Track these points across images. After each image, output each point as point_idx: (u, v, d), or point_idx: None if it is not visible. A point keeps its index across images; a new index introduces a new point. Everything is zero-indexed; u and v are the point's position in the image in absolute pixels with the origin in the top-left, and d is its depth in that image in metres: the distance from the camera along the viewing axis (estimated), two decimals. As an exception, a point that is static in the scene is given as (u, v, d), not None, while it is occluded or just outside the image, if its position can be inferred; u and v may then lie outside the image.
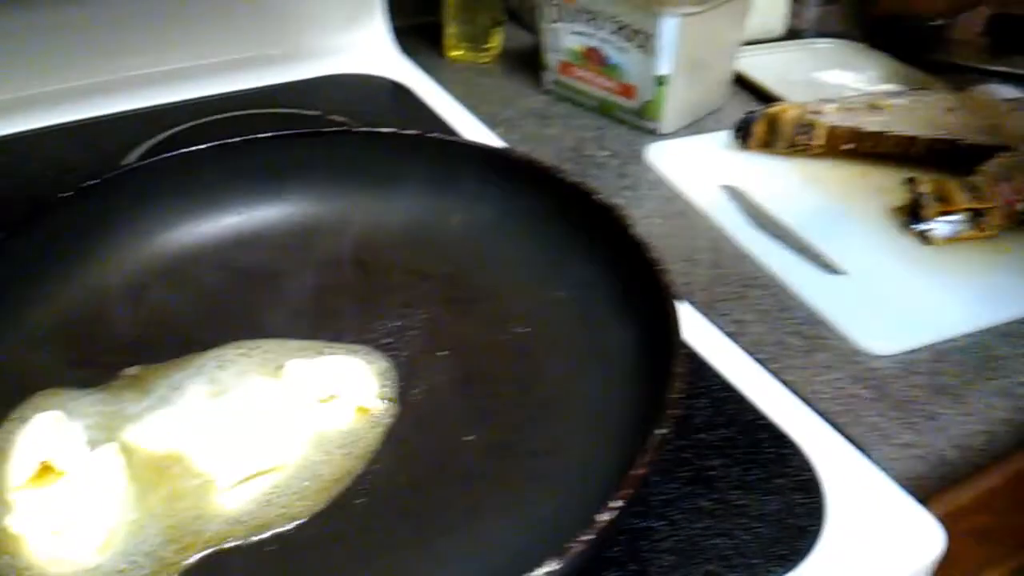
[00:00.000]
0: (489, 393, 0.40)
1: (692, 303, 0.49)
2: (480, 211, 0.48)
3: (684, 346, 0.35)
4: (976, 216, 0.53)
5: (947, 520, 0.47)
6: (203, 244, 0.45)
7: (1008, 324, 0.48)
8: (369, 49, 0.75)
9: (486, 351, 0.42)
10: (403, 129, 0.49)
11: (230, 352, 0.40)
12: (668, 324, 0.36)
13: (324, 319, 0.43)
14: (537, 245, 0.46)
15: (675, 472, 0.38)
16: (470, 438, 0.37)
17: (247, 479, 0.35)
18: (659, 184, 0.61)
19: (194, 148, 0.44)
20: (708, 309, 0.49)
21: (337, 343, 0.41)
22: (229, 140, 0.45)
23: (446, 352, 0.42)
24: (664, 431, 0.31)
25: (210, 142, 0.46)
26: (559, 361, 0.41)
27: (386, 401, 0.38)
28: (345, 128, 0.49)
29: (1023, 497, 0.52)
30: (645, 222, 0.57)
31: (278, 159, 0.47)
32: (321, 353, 0.40)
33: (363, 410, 0.38)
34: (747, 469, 0.39)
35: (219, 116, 0.63)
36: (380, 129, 0.49)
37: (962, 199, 0.53)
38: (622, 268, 0.41)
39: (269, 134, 0.46)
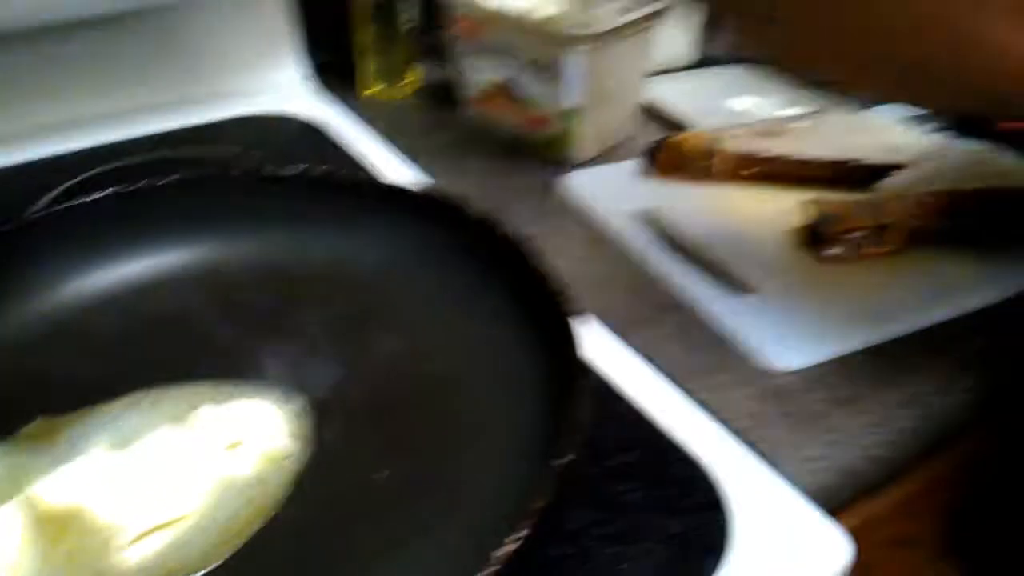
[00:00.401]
0: (402, 429, 0.40)
1: (606, 329, 0.50)
2: (391, 247, 0.48)
3: (586, 376, 0.36)
4: (875, 233, 0.55)
5: (864, 529, 0.48)
6: (103, 295, 0.44)
7: (908, 335, 0.50)
8: (283, 88, 0.75)
9: (400, 386, 0.42)
10: (312, 168, 0.49)
11: (135, 401, 0.39)
12: (571, 355, 0.37)
13: (233, 362, 0.42)
14: (449, 278, 0.46)
15: (587, 498, 0.38)
16: (383, 475, 0.37)
17: (150, 532, 0.34)
18: (574, 213, 0.62)
19: (88, 199, 0.44)
20: (622, 334, 0.49)
21: (247, 386, 0.41)
22: (125, 188, 0.44)
23: (359, 389, 0.41)
24: (561, 462, 0.31)
25: (110, 189, 0.46)
26: (471, 393, 0.41)
27: (296, 443, 0.38)
28: (250, 170, 0.49)
29: (938, 503, 0.54)
30: (560, 251, 0.58)
31: (180, 204, 0.46)
32: (229, 397, 0.39)
33: (271, 454, 0.37)
34: (657, 492, 0.39)
35: (126, 162, 0.62)
36: (286, 170, 0.48)
37: (860, 218, 0.55)
38: (530, 299, 0.42)
39: (166, 180, 0.46)
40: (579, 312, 0.39)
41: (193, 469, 0.36)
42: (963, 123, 0.71)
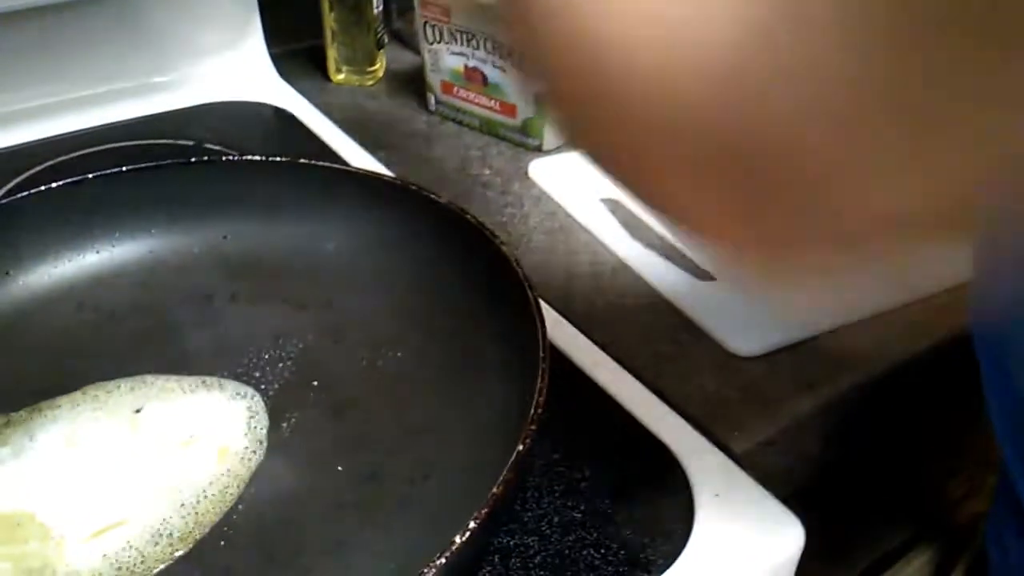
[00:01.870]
0: (361, 422, 0.40)
1: (571, 316, 0.50)
2: (356, 237, 0.48)
3: (547, 365, 0.36)
4: (837, 218, 0.55)
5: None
6: (56, 288, 0.44)
7: (868, 318, 0.50)
8: (248, 75, 0.74)
9: (359, 379, 0.42)
10: (275, 156, 0.48)
11: (87, 397, 0.39)
12: (533, 344, 0.37)
13: (189, 356, 0.42)
14: (414, 268, 0.46)
15: (548, 486, 0.39)
16: (340, 469, 0.37)
17: (99, 533, 0.33)
18: (542, 200, 0.62)
19: (48, 187, 0.43)
20: (587, 321, 0.49)
21: (203, 380, 0.40)
22: (85, 176, 0.44)
23: (318, 383, 0.41)
24: (520, 450, 0.31)
25: (69, 178, 0.45)
26: (433, 385, 0.41)
27: (252, 438, 0.38)
28: (212, 158, 0.48)
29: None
30: (527, 238, 0.58)
31: (141, 193, 0.46)
32: (184, 392, 0.39)
33: (226, 451, 0.37)
34: (620, 477, 0.39)
35: (90, 150, 0.61)
36: (249, 157, 0.48)
37: (823, 202, 0.55)
38: (494, 288, 0.42)
39: (128, 168, 0.45)
40: (542, 300, 0.39)
41: (146, 467, 0.36)
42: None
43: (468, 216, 0.44)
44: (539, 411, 0.33)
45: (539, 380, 0.34)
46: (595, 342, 0.48)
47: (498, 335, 0.40)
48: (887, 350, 0.48)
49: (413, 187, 0.46)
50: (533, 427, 0.33)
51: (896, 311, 0.51)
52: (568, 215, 0.60)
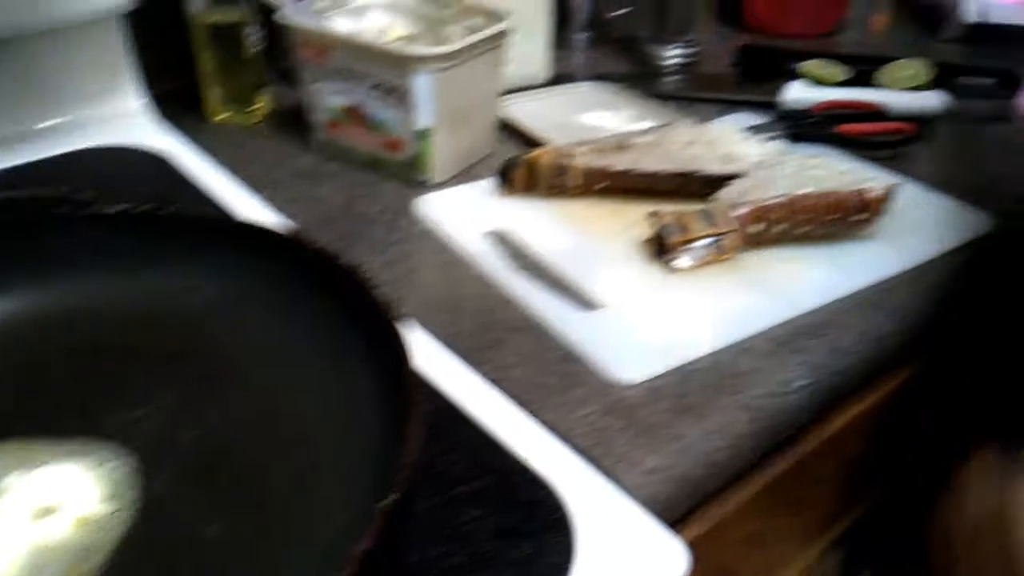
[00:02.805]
0: (235, 479, 0.38)
1: (456, 353, 0.50)
2: (228, 284, 0.46)
3: (419, 412, 0.35)
4: (715, 241, 0.57)
5: (716, 532, 0.50)
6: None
7: (747, 340, 0.52)
8: (126, 119, 0.72)
9: (234, 431, 0.40)
10: (144, 205, 0.46)
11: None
12: (405, 389, 0.36)
13: (54, 418, 0.40)
14: (288, 314, 0.45)
15: (433, 530, 0.38)
16: (212, 529, 0.36)
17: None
18: (429, 236, 0.62)
19: None
20: (472, 357, 0.49)
21: (64, 444, 0.38)
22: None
23: (190, 438, 0.40)
24: (385, 503, 0.31)
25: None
26: (310, 434, 0.40)
27: (116, 504, 0.36)
28: (75, 212, 0.46)
29: (783, 500, 0.56)
30: (415, 275, 0.57)
31: (-2, 249, 0.44)
32: (42, 458, 0.37)
33: (87, 518, 0.35)
34: (502, 517, 0.39)
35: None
36: (111, 210, 0.46)
37: (700, 227, 0.57)
38: (368, 332, 0.41)
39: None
40: (415, 348, 0.39)
41: (1, 540, 0.34)
42: (800, 130, 0.74)
43: (340, 261, 0.43)
44: (410, 460, 0.32)
45: (411, 428, 0.34)
46: (482, 377, 0.48)
47: (374, 382, 0.40)
48: (770, 367, 0.49)
49: (283, 233, 0.45)
50: (405, 476, 0.32)
51: (772, 331, 0.52)
52: (456, 250, 0.60)
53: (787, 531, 0.61)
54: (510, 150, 0.72)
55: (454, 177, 0.69)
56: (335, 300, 0.44)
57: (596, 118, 0.78)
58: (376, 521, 0.31)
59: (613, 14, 0.98)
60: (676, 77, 0.90)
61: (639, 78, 0.88)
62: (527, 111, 0.78)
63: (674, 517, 0.44)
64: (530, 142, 0.74)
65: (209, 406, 0.42)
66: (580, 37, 0.96)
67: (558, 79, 0.86)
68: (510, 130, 0.76)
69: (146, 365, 0.44)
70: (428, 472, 0.41)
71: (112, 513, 0.36)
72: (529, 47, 0.83)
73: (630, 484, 0.42)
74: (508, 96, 0.79)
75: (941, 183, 0.69)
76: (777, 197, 0.59)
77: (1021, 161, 0.76)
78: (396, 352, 0.39)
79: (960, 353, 0.63)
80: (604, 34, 0.98)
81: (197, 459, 0.39)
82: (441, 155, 0.67)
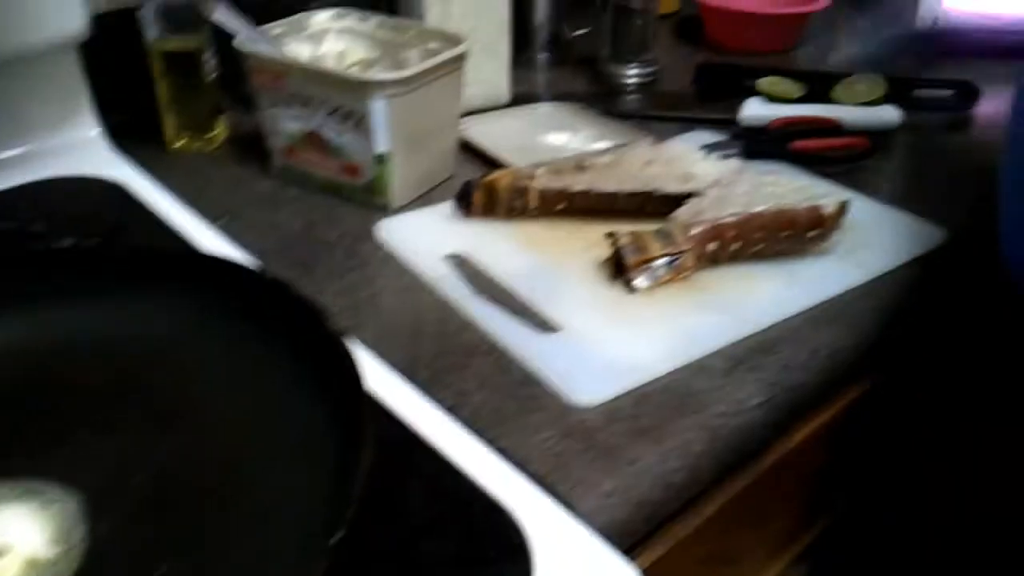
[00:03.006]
0: (183, 518, 0.38)
1: (416, 379, 0.49)
2: (179, 317, 0.46)
3: (369, 447, 0.35)
4: (672, 261, 0.57)
5: (677, 552, 0.50)
6: None
7: (703, 359, 0.52)
8: (80, 149, 0.71)
9: (183, 469, 0.40)
10: (87, 240, 0.46)
11: None
12: (359, 424, 0.36)
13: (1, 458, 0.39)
14: (241, 346, 0.45)
15: (388, 563, 0.38)
16: (160, 569, 0.35)
17: None
18: (388, 260, 0.61)
19: None
20: (431, 383, 0.49)
21: (11, 485, 0.38)
22: None
23: (140, 477, 0.39)
24: (332, 541, 0.31)
25: None
26: (261, 470, 0.40)
27: (63, 546, 0.35)
28: (21, 246, 0.46)
29: (744, 517, 0.56)
30: (373, 301, 0.57)
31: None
32: (-11, 501, 0.36)
33: (32, 562, 0.34)
34: (461, 545, 0.39)
35: None
36: (60, 245, 0.46)
37: (657, 247, 0.57)
38: (321, 363, 0.41)
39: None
40: (371, 378, 0.39)
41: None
42: (757, 147, 0.75)
43: (292, 290, 0.43)
44: (355, 496, 0.32)
45: (360, 463, 0.34)
46: (438, 404, 0.47)
47: (327, 414, 0.39)
48: (723, 391, 0.50)
49: (235, 264, 0.45)
50: (352, 512, 0.32)
51: (729, 349, 0.53)
52: (415, 275, 0.60)
53: (750, 547, 0.61)
54: (471, 172, 0.72)
55: (415, 200, 0.69)
56: (288, 331, 0.44)
57: (556, 138, 0.78)
58: (326, 558, 0.30)
59: (573, 34, 0.99)
60: (636, 96, 0.91)
61: (599, 97, 0.89)
62: (488, 133, 0.78)
63: (634, 539, 0.44)
64: (491, 164, 0.74)
65: (159, 444, 0.41)
66: (541, 57, 0.97)
67: (519, 99, 0.86)
68: (471, 152, 0.76)
69: (95, 402, 0.43)
70: (385, 502, 0.41)
71: (61, 554, 0.35)
72: (489, 68, 0.83)
73: (588, 508, 0.42)
74: (469, 118, 0.79)
75: (896, 197, 0.70)
76: (732, 215, 0.60)
77: (975, 173, 0.77)
78: (349, 384, 0.39)
79: (913, 367, 0.64)
80: (565, 54, 0.99)
81: (146, 499, 0.38)
82: (400, 179, 0.67)
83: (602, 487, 0.43)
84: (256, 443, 0.40)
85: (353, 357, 0.39)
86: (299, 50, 0.72)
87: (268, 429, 0.41)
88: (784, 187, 0.64)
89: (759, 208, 0.61)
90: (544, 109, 0.84)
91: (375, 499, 0.40)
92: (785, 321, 0.55)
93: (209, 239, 0.61)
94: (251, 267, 0.45)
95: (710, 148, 0.73)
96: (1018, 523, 0.64)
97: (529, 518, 0.40)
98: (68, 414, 0.42)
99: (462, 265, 0.59)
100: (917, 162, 0.79)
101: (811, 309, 0.57)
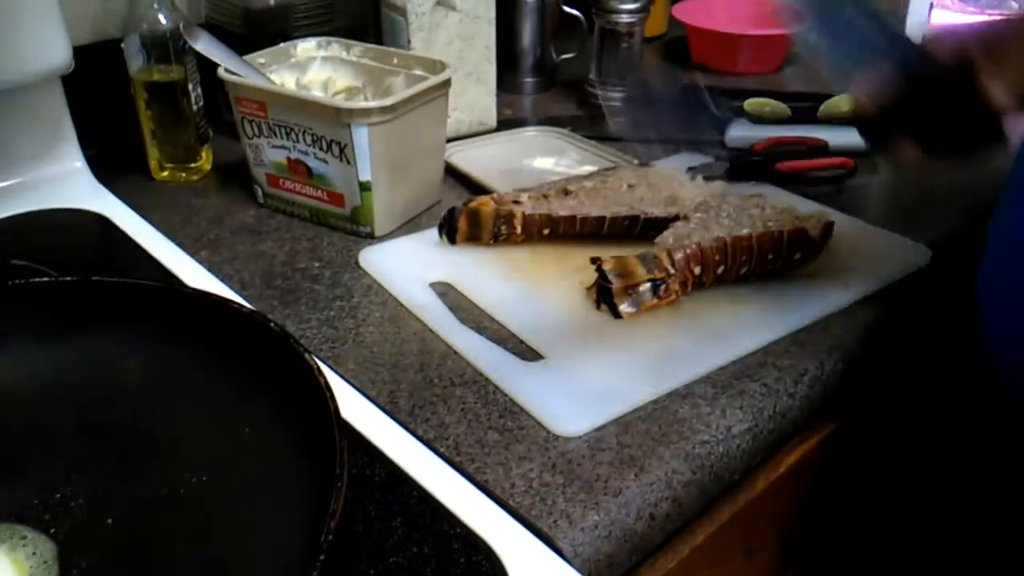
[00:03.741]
0: (161, 559, 0.37)
1: (397, 411, 0.49)
2: (158, 352, 0.45)
3: (342, 484, 0.35)
4: (657, 286, 0.57)
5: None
6: None
7: (688, 385, 0.51)
8: (64, 181, 0.71)
9: (160, 510, 0.39)
10: (62, 277, 0.46)
11: None
12: (335, 462, 0.36)
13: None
14: (219, 381, 0.44)
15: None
16: (134, 614, 0.35)
17: None
18: (372, 289, 0.61)
19: None
20: (412, 415, 0.49)
21: (-17, 530, 0.37)
22: None
23: (113, 519, 0.39)
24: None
25: None
26: (240, 510, 0.39)
27: (34, 591, 0.35)
28: (2, 282, 0.46)
29: (733, 545, 0.55)
30: (356, 332, 0.57)
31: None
32: (-42, 547, 0.36)
33: (1, 609, 0.34)
34: (440, 583, 0.38)
35: None
36: (38, 280, 0.46)
37: (641, 272, 0.57)
38: (298, 401, 0.41)
39: None
40: (352, 412, 0.38)
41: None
42: (743, 168, 0.75)
43: (272, 325, 0.43)
44: (329, 539, 0.32)
45: (334, 501, 0.33)
46: (419, 438, 0.47)
47: (303, 451, 0.39)
48: (707, 418, 0.49)
49: (215, 298, 0.45)
50: (324, 556, 0.31)
51: (714, 375, 0.52)
52: (398, 303, 0.59)
53: (742, 571, 0.60)
54: (457, 198, 0.72)
55: (400, 227, 0.69)
56: (265, 366, 0.43)
57: (543, 162, 0.78)
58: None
59: (560, 58, 0.99)
60: (622, 119, 0.91)
61: (586, 121, 0.89)
62: (473, 158, 0.78)
63: (620, 571, 0.43)
64: (476, 189, 0.74)
65: (132, 484, 0.41)
66: (527, 82, 0.97)
67: (506, 124, 0.86)
68: (457, 177, 0.76)
69: (68, 442, 0.43)
70: (364, 537, 0.40)
71: (31, 600, 0.35)
72: (475, 94, 0.84)
73: (571, 542, 0.41)
74: (455, 143, 0.79)
75: (880, 217, 0.69)
76: (717, 239, 0.60)
77: (961, 192, 0.77)
78: (325, 422, 0.38)
79: (900, 390, 0.64)
80: (551, 78, 0.99)
81: (118, 541, 0.38)
82: (384, 207, 0.66)
83: (586, 520, 0.42)
84: (230, 481, 0.40)
85: (330, 393, 0.39)
86: (284, 79, 0.72)
87: (243, 466, 0.40)
88: (769, 209, 0.64)
89: (744, 231, 0.61)
90: (530, 133, 0.84)
91: (353, 534, 0.40)
92: (770, 346, 0.55)
93: (192, 270, 0.61)
94: (228, 300, 0.45)
95: (696, 170, 0.73)
96: (1006, 541, 0.63)
97: (510, 554, 0.40)
98: (40, 455, 0.42)
99: (445, 293, 0.59)
100: (903, 181, 0.79)
101: (797, 332, 0.56)
